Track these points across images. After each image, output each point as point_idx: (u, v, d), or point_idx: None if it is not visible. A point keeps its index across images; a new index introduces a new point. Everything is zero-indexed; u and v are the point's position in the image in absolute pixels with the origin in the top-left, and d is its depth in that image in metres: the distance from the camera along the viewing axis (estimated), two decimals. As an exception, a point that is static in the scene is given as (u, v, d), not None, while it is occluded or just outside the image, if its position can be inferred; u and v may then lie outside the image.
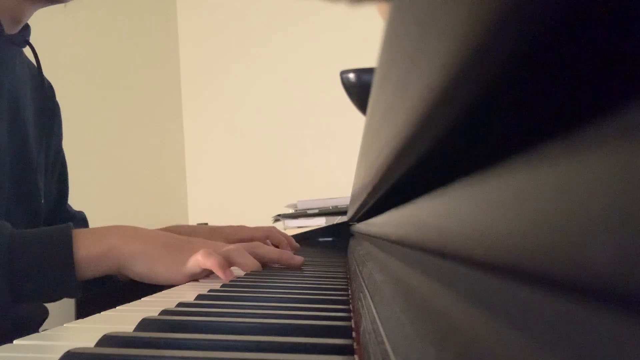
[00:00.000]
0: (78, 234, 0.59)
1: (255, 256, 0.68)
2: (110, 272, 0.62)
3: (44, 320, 0.76)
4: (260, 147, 2.28)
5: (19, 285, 0.54)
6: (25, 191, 0.76)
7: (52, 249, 0.57)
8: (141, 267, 0.61)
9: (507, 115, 0.12)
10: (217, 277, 0.62)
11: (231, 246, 0.67)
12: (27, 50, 0.83)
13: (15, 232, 0.57)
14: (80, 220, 0.95)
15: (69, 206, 0.95)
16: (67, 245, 0.57)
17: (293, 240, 0.96)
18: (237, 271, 0.66)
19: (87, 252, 0.59)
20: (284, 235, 0.96)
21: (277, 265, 0.74)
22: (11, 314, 0.58)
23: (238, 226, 0.94)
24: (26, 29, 0.78)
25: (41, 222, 0.79)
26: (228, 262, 0.63)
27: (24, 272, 0.55)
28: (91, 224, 0.94)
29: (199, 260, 0.61)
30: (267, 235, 0.93)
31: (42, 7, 0.76)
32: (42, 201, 0.79)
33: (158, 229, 0.76)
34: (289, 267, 0.72)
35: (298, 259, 0.73)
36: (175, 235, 0.68)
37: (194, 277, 0.63)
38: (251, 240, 0.82)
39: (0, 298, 0.53)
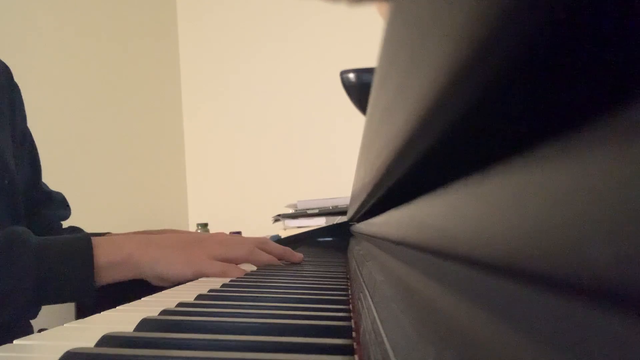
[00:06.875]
0: (98, 242, 0.64)
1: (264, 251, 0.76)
2: (127, 279, 0.66)
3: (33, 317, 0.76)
4: (260, 147, 2.28)
5: (44, 289, 0.59)
6: None
7: (75, 256, 0.61)
8: (160, 270, 0.66)
9: (507, 115, 0.12)
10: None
11: (241, 243, 0.74)
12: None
13: (40, 239, 0.61)
14: (59, 201, 0.95)
15: (45, 185, 0.94)
16: (88, 254, 0.62)
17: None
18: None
19: (107, 259, 0.63)
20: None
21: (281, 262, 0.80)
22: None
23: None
24: None
25: (19, 200, 0.79)
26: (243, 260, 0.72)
27: (49, 277, 0.59)
28: (91, 226, 0.93)
29: (206, 269, 0.67)
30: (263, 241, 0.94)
31: None
32: (15, 179, 0.78)
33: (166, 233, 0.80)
34: (290, 261, 0.80)
35: (298, 255, 0.80)
36: (184, 236, 0.72)
37: (207, 276, 0.68)
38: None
39: (27, 300, 0.58)
